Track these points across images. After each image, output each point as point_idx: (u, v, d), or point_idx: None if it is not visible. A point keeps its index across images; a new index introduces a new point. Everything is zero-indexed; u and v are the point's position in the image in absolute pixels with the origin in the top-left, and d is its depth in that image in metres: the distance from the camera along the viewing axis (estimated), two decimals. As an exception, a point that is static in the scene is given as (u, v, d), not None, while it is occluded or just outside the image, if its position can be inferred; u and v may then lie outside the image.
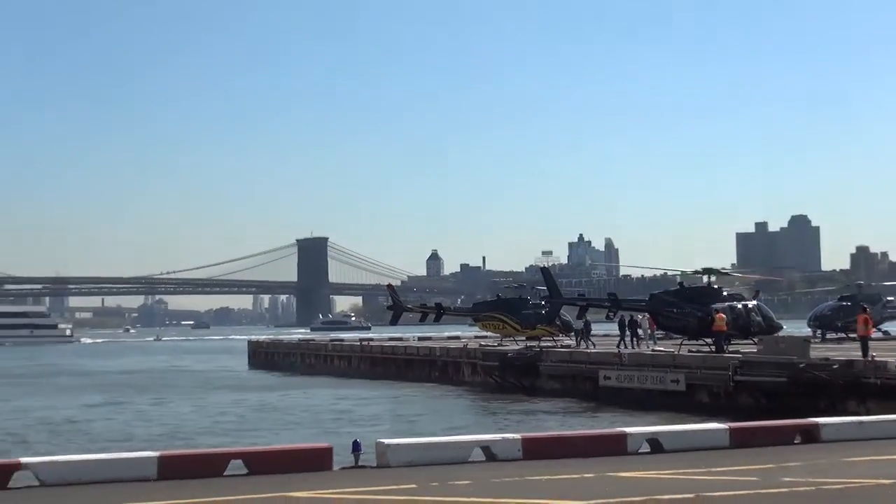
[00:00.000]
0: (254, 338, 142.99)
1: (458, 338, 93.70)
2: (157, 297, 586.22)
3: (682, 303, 60.89)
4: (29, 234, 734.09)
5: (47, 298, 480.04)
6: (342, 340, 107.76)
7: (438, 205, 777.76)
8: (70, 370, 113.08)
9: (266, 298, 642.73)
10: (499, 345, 74.34)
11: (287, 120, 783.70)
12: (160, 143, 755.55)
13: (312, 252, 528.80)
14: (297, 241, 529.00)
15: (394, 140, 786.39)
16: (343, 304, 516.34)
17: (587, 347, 66.55)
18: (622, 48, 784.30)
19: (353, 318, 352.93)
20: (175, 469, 20.93)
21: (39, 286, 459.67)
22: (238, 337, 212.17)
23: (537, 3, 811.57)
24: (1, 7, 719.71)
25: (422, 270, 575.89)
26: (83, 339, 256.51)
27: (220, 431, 49.21)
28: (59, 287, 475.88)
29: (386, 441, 22.90)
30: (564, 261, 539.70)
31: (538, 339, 73.54)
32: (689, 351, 55.51)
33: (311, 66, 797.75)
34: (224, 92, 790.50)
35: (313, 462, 21.80)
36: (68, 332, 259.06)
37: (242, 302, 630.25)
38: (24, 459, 21.40)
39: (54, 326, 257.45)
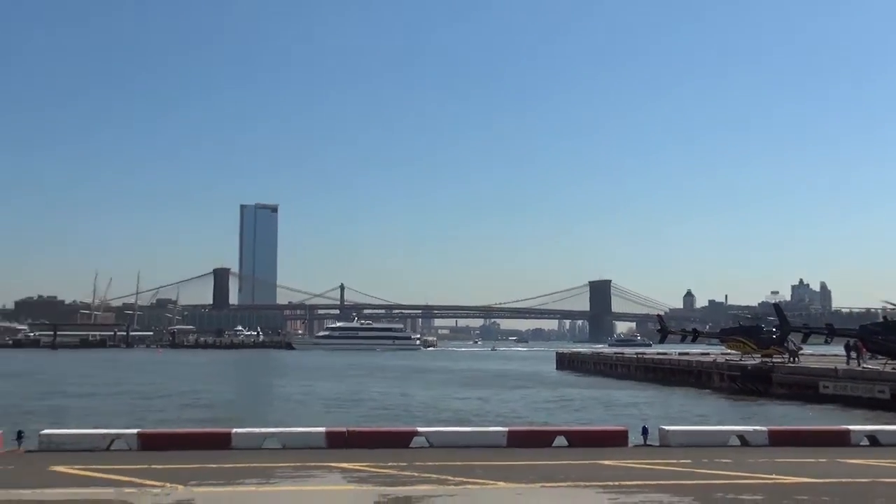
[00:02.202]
0: (560, 350, 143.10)
1: (708, 354, 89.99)
2: (493, 320, 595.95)
3: (886, 332, 57.23)
4: (406, 275, 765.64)
5: (420, 320, 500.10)
6: (623, 353, 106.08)
7: (693, 253, 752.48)
8: (433, 369, 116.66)
9: (567, 322, 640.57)
10: (740, 360, 70.94)
11: (576, 188, 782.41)
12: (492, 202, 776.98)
13: (600, 290, 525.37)
14: (590, 282, 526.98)
15: (661, 200, 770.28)
16: (622, 327, 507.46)
17: (796, 362, 63.98)
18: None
19: (639, 337, 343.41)
20: (518, 440, 21.26)
21: (417, 311, 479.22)
22: (547, 349, 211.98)
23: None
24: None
25: (679, 304, 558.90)
26: (427, 348, 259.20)
27: (543, 413, 49.39)
28: (427, 312, 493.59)
29: (667, 427, 22.44)
30: (788, 298, 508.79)
31: (770, 356, 69.84)
32: (893, 368, 51.34)
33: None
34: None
35: (614, 440, 21.61)
36: (418, 343, 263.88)
37: (551, 324, 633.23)
38: (419, 428, 22.40)
39: (409, 338, 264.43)
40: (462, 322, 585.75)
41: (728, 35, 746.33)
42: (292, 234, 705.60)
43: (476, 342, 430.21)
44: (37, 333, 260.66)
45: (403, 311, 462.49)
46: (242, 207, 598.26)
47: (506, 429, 22.02)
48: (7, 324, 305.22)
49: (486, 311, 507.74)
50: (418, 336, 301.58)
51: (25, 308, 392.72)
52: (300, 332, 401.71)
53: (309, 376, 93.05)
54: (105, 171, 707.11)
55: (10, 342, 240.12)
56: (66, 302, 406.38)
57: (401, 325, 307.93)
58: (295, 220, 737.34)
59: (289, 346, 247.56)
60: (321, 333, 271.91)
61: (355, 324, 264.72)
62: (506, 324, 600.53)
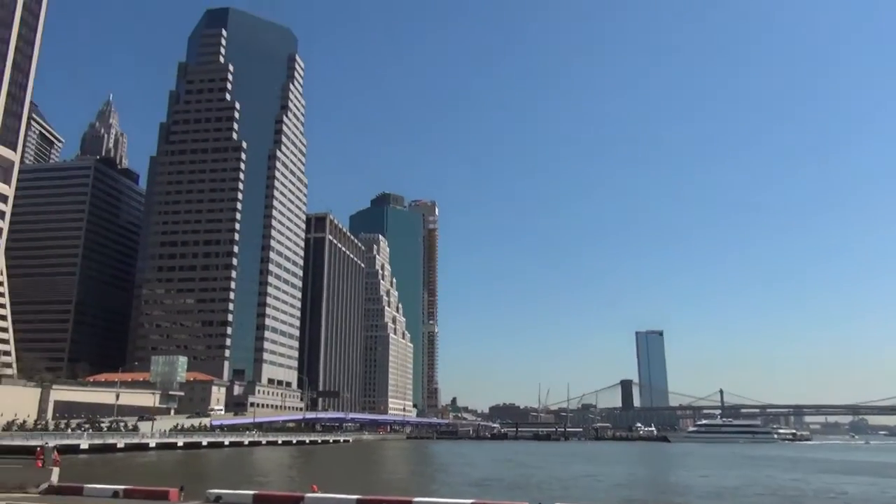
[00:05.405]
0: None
1: None
2: (860, 416, 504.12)
3: None
4: (779, 378, 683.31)
5: (792, 418, 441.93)
6: None
7: None
8: (819, 459, 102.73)
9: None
10: None
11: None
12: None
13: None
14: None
15: None
16: None
17: None
18: None
19: None
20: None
21: (788, 409, 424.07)
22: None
23: None
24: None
25: None
26: (781, 441, 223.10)
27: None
28: (798, 410, 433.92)
29: None
30: None
31: None
32: None
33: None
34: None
35: None
36: (775, 437, 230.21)
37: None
38: None
39: (767, 433, 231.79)
40: (832, 418, 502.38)
41: None
42: (677, 350, 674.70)
43: (852, 437, 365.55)
44: (504, 430, 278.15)
45: (775, 409, 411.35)
46: (637, 333, 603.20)
47: None
48: (486, 423, 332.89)
49: (853, 409, 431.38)
50: (791, 431, 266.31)
51: (496, 411, 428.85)
52: (690, 428, 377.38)
53: (705, 465, 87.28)
54: (539, 311, 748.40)
55: (489, 435, 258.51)
56: (521, 406, 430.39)
57: (759, 422, 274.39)
58: (679, 339, 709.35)
59: (665, 439, 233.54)
60: (691, 429, 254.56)
61: (718, 421, 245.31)
62: (874, 419, 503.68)
